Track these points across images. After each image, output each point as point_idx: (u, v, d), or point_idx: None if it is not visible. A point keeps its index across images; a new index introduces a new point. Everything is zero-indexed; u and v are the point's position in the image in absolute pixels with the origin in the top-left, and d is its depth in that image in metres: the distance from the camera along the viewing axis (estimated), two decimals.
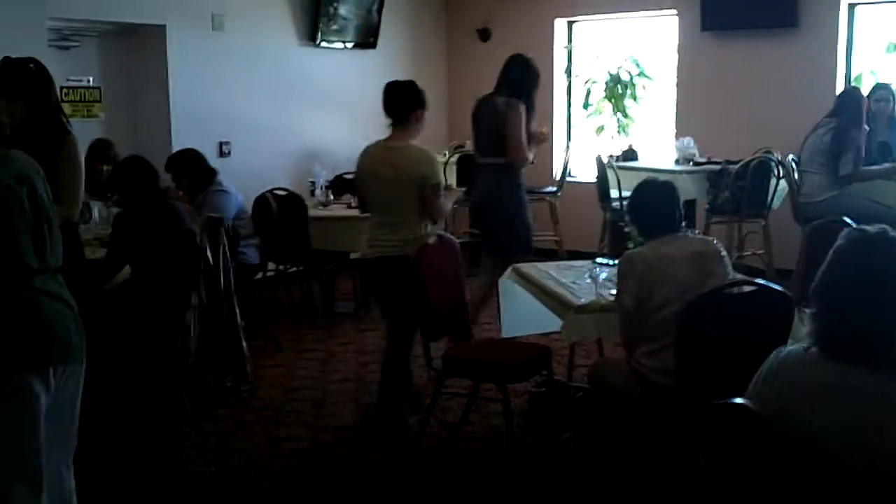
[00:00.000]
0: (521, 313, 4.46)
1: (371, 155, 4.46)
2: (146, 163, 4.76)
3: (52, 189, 2.79)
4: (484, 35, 9.01)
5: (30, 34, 5.76)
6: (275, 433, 4.41)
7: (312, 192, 6.91)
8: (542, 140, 5.75)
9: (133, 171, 4.71)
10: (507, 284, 4.49)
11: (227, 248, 4.85)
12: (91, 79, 6.70)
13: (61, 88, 5.49)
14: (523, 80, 5.42)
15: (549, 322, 4.18)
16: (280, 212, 6.00)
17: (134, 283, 4.59)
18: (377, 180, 4.34)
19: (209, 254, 4.65)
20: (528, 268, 4.40)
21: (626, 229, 4.00)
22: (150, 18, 6.71)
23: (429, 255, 4.10)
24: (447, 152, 8.35)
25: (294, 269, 6.66)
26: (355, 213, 6.51)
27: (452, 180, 7.72)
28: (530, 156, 5.44)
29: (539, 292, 4.13)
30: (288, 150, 7.73)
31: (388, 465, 4.03)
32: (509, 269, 4.50)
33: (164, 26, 6.77)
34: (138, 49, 7.02)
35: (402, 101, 4.46)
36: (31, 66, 3.67)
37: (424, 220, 4.28)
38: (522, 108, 5.29)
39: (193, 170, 5.62)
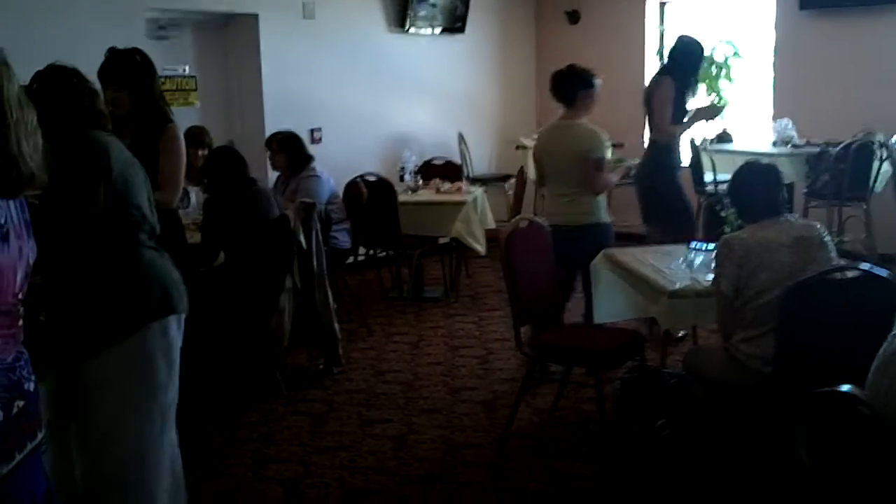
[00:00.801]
0: (612, 299, 4.41)
1: (546, 133, 5.00)
2: (234, 152, 4.92)
3: (153, 176, 2.95)
4: (573, 17, 8.90)
5: (129, 25, 5.94)
6: (367, 415, 4.47)
7: (401, 178, 6.94)
8: (708, 116, 5.79)
9: (221, 159, 4.86)
10: (598, 270, 4.44)
11: (319, 232, 4.93)
12: (187, 68, 6.86)
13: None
14: (681, 59, 5.50)
15: (641, 308, 4.16)
16: (370, 197, 6.06)
17: (228, 267, 4.71)
18: (551, 156, 4.83)
19: (302, 238, 4.73)
20: (621, 253, 4.34)
21: (723, 213, 3.92)
22: (243, 8, 6.83)
23: (518, 239, 4.09)
24: (536, 136, 8.30)
25: (384, 253, 6.73)
26: (444, 198, 6.58)
27: None
28: (676, 131, 5.54)
29: (631, 277, 4.08)
30: (377, 136, 7.79)
31: (480, 447, 4.04)
32: (600, 255, 4.45)
33: (256, 15, 6.88)
34: (232, 38, 7.16)
35: (568, 84, 4.77)
36: (137, 57, 3.76)
37: (590, 193, 4.68)
38: (668, 86, 5.40)
39: (293, 150, 5.77)
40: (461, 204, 6.37)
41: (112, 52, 3.75)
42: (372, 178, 6.28)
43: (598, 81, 4.78)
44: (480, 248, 6.40)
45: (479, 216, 6.48)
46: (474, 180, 7.80)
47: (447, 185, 6.88)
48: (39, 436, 1.88)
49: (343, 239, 5.82)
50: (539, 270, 4.19)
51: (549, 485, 3.67)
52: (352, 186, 6.13)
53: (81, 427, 2.75)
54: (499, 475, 3.78)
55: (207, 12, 6.77)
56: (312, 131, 7.28)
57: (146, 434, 2.71)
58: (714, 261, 3.44)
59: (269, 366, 4.75)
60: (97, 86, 3.14)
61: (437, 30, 8.18)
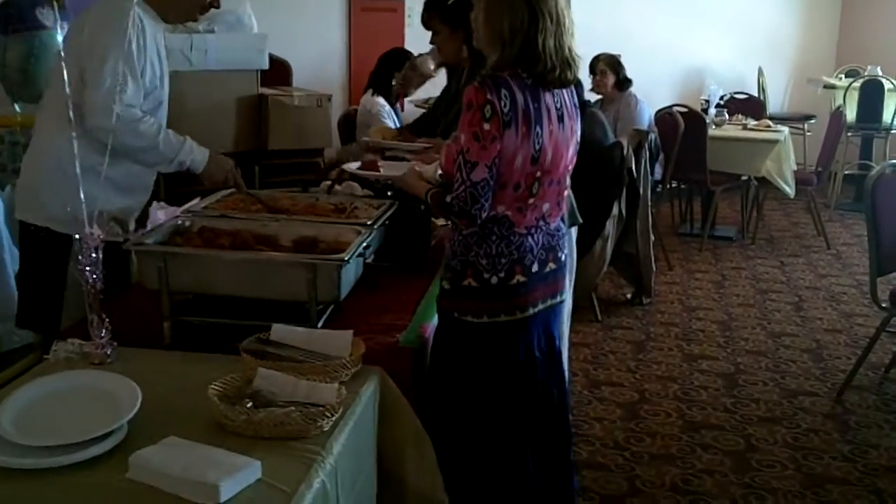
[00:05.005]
0: None
1: None
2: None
3: None
4: None
5: None
6: (688, 350, 4.45)
7: (704, 111, 6.73)
8: None
9: None
10: None
11: (648, 161, 4.88)
12: None
13: None
14: None
15: None
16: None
17: None
18: None
19: (633, 165, 4.70)
20: None
21: None
22: None
23: (883, 186, 3.87)
24: (842, 76, 7.82)
25: (683, 185, 6.60)
26: (755, 135, 6.33)
27: (852, 111, 7.21)
28: None
29: None
30: (675, 67, 7.61)
31: (816, 396, 3.92)
32: None
33: None
34: None
35: None
36: None
37: None
38: None
39: (619, 69, 5.73)
40: (774, 143, 6.11)
41: None
42: (682, 110, 6.12)
43: None
44: (790, 189, 6.15)
45: (787, 157, 6.20)
46: (772, 118, 7.45)
47: (752, 122, 6.62)
48: (559, 298, 2.27)
49: (656, 170, 5.73)
50: None
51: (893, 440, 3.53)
52: (665, 117, 6.01)
53: None
54: (844, 427, 3.65)
55: None
56: None
57: None
58: None
59: (587, 290, 4.79)
60: None
61: None
